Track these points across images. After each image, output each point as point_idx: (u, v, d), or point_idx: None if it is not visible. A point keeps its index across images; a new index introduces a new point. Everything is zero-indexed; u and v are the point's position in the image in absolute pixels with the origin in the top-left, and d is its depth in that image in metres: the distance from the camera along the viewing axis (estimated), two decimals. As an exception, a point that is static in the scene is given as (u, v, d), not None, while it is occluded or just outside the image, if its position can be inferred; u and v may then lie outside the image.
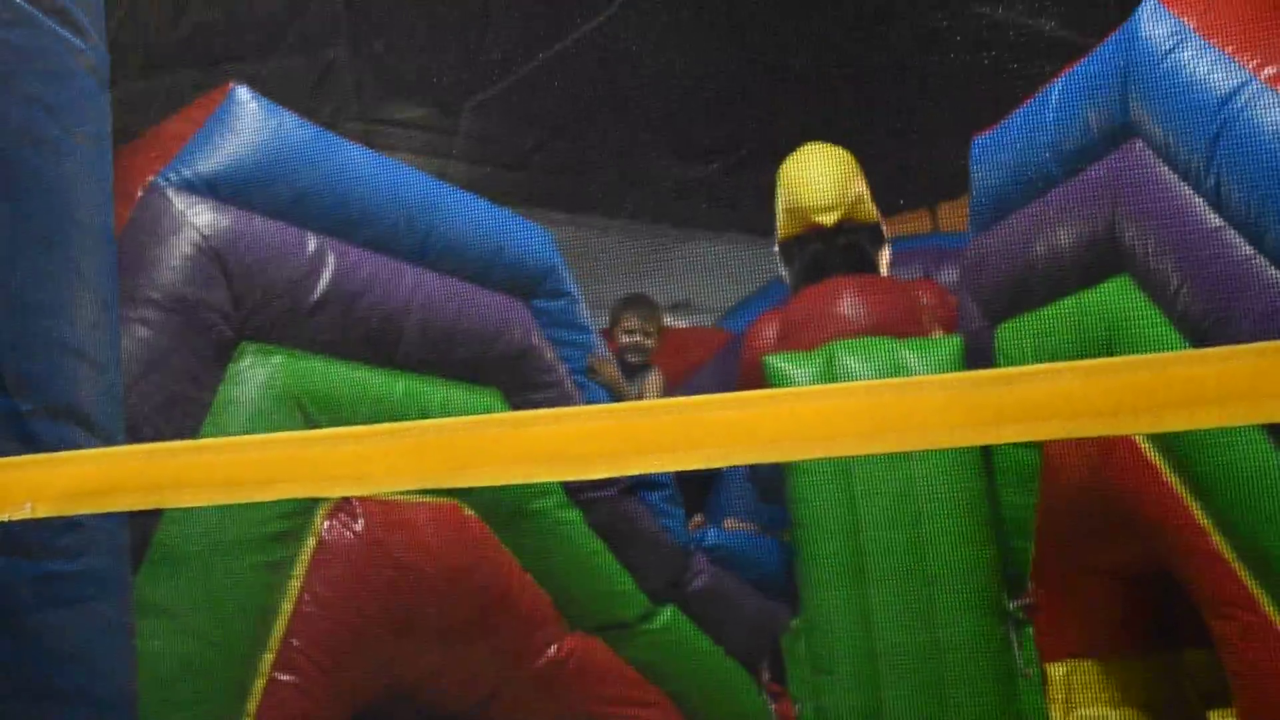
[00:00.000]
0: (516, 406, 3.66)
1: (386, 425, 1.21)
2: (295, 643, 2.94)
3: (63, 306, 1.78)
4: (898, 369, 4.13)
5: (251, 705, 2.82)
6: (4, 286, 1.70)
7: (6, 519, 1.37)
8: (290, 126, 3.21)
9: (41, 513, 1.36)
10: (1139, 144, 3.10)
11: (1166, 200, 2.97)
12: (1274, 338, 2.57)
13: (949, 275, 5.55)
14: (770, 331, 4.71)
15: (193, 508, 2.58)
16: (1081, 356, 3.36)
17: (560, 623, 3.74)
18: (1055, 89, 3.54)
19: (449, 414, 3.40)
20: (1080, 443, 3.48)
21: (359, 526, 3.16)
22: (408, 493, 3.28)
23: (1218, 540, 3.00)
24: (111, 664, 1.84)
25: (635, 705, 3.91)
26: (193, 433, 2.77)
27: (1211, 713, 3.87)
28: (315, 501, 3.01)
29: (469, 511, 3.48)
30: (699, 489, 4.83)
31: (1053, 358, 3.53)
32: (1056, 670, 3.98)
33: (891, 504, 4.00)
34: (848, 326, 4.34)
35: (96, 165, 1.91)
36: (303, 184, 3.16)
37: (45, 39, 1.82)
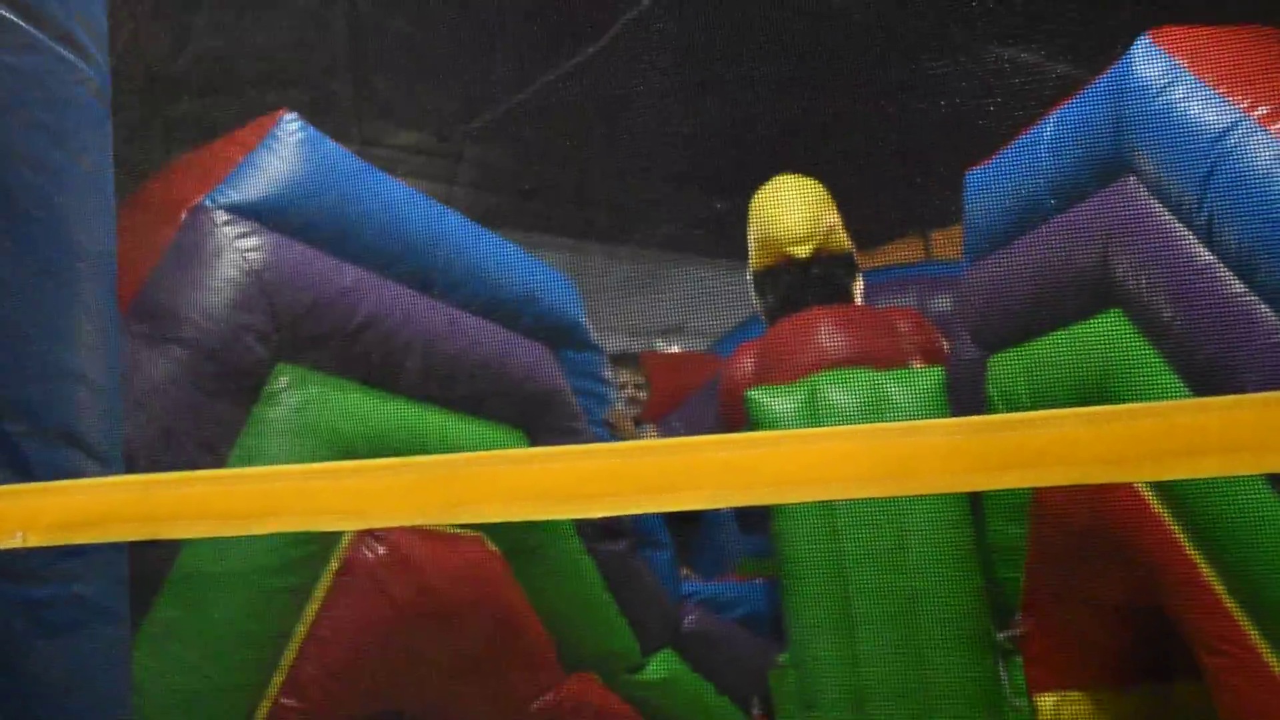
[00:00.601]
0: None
1: (387, 460, 1.20)
2: (305, 668, 2.93)
3: (62, 332, 1.78)
4: (880, 401, 4.14)
5: None
6: (3, 312, 1.69)
7: (-1, 547, 1.36)
8: (337, 157, 3.25)
9: (34, 542, 1.35)
10: (1132, 180, 3.12)
11: (1158, 236, 2.99)
12: (1263, 373, 2.60)
13: (942, 304, 5.58)
14: (748, 362, 4.72)
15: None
16: (1074, 389, 3.37)
17: (559, 665, 3.76)
18: (1049, 124, 3.57)
19: (481, 449, 3.42)
20: (1071, 476, 3.48)
21: (383, 552, 3.15)
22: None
23: (1209, 575, 3.00)
24: (109, 693, 1.82)
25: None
26: (218, 459, 2.76)
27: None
28: (341, 525, 3.00)
29: (492, 547, 3.50)
30: (686, 539, 4.88)
31: (1045, 390, 3.54)
32: (1046, 702, 3.98)
33: (876, 535, 4.00)
34: (827, 358, 4.35)
35: (99, 190, 1.91)
36: (346, 215, 3.20)
37: (51, 64, 1.81)
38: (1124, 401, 3.14)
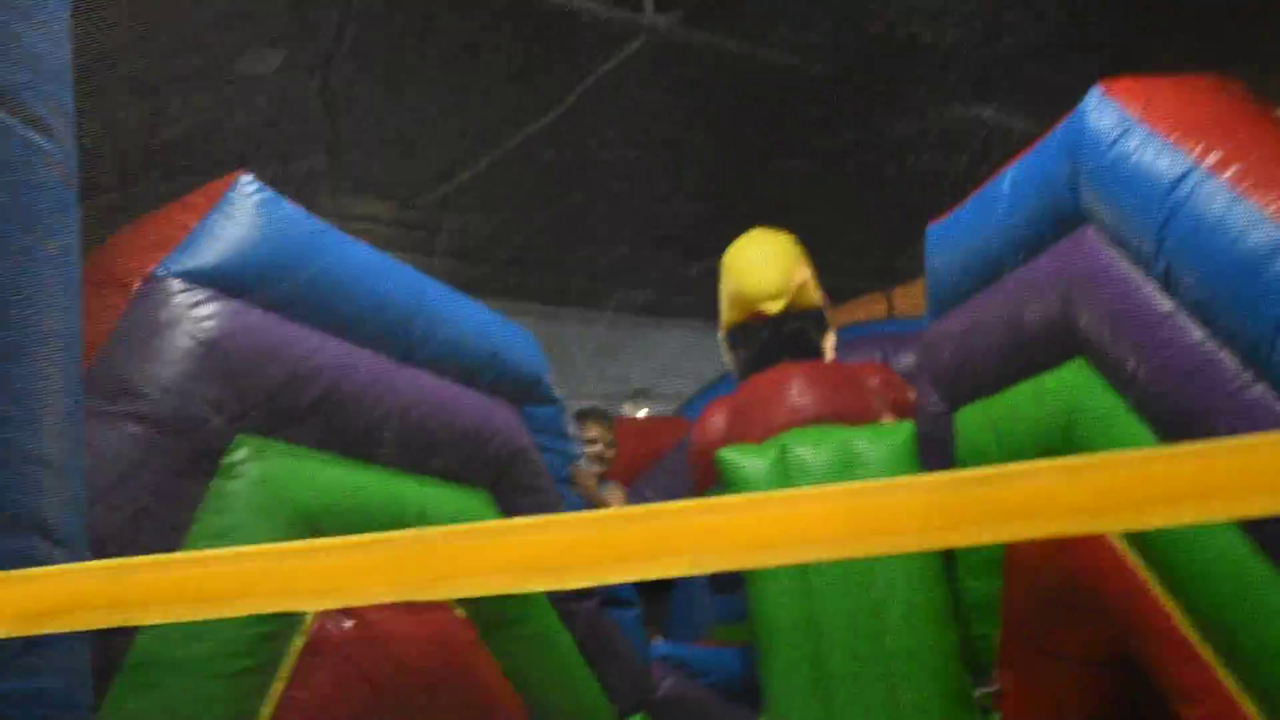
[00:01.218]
0: (505, 509, 3.67)
1: (361, 536, 1.18)
2: None
3: (28, 418, 1.75)
4: (851, 457, 4.14)
5: None
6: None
7: (-37, 640, 1.33)
8: (294, 220, 3.16)
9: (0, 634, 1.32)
10: (1090, 231, 3.16)
11: (1118, 286, 3.02)
12: (1225, 420, 2.62)
13: (906, 360, 5.61)
14: (719, 420, 4.73)
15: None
16: (1042, 439, 3.39)
17: None
18: (1006, 178, 3.62)
19: (443, 515, 3.37)
20: (1044, 527, 3.48)
21: (348, 625, 3.08)
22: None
23: (1184, 625, 3.00)
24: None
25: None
26: (180, 530, 2.69)
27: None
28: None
29: (460, 613, 3.43)
30: (656, 601, 4.86)
31: (1013, 442, 3.56)
32: (1025, 758, 3.95)
33: (852, 595, 3.99)
34: (798, 415, 4.36)
35: (66, 273, 1.89)
36: (305, 279, 3.12)
37: (18, 148, 1.80)
38: (1091, 451, 3.16)
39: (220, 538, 2.73)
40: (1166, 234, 2.79)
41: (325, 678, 2.99)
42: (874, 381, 4.67)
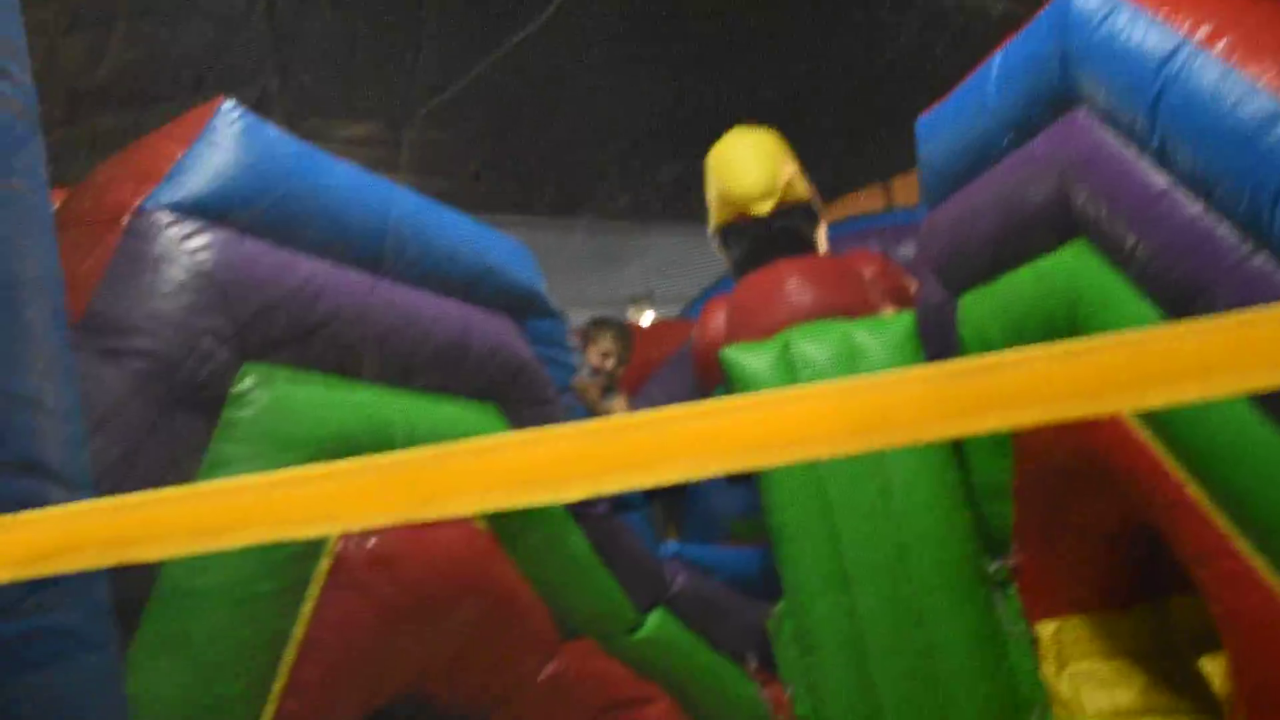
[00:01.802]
0: (513, 422, 3.67)
1: (355, 461, 1.17)
2: (305, 668, 2.86)
3: (13, 361, 1.73)
4: (853, 351, 4.14)
5: None
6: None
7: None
8: (279, 144, 3.10)
9: (4, 578, 1.32)
10: (1082, 112, 3.12)
11: (1113, 165, 2.99)
12: (1227, 293, 2.61)
13: (906, 251, 5.58)
14: (719, 320, 4.71)
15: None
16: (1045, 322, 3.38)
17: (557, 634, 3.74)
18: (995, 63, 3.56)
19: (454, 433, 3.37)
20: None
21: (372, 543, 3.09)
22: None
23: (1194, 491, 3.02)
24: (104, 718, 1.79)
25: (637, 705, 3.93)
26: (191, 468, 2.67)
27: (1203, 658, 3.91)
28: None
29: (480, 524, 3.45)
30: (670, 505, 4.89)
31: (1015, 326, 3.55)
32: (1045, 629, 4.02)
33: (862, 483, 4.02)
34: (798, 312, 4.34)
35: (36, 212, 1.86)
36: (295, 204, 3.07)
37: (-31, 89, 1.76)
38: (1095, 331, 3.14)
39: (233, 467, 2.72)
40: (1159, 110, 2.76)
41: (352, 596, 3.02)
42: (870, 271, 4.64)
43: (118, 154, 3.06)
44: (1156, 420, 3.08)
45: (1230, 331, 0.93)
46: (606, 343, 4.94)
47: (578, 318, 5.14)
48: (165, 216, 2.79)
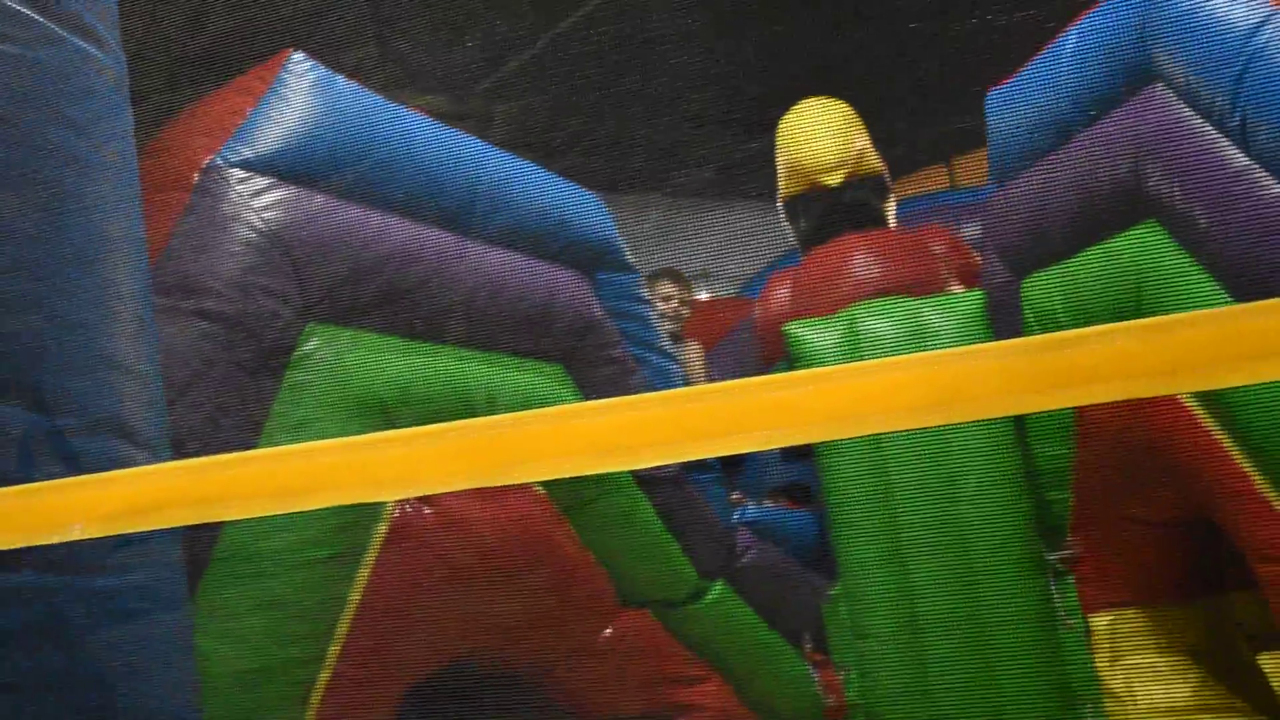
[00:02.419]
0: (579, 383, 3.61)
1: (433, 426, 1.20)
2: (360, 634, 2.89)
3: (101, 322, 1.78)
4: (920, 330, 4.09)
5: (315, 698, 2.77)
6: (42, 305, 1.70)
7: (57, 541, 1.37)
8: (351, 97, 3.03)
9: (91, 533, 1.36)
10: (1159, 88, 3.06)
11: (1190, 143, 2.93)
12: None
13: (969, 231, 5.51)
14: (783, 294, 4.66)
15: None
16: (1111, 305, 3.33)
17: (614, 601, 3.73)
18: (1071, 37, 3.50)
19: (513, 396, 3.34)
20: (1115, 395, 3.45)
21: (429, 511, 3.08)
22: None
23: (1259, 483, 2.97)
24: (172, 678, 1.84)
25: (688, 682, 3.92)
26: (256, 423, 2.68)
27: (1260, 655, 3.85)
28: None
29: (539, 491, 3.43)
30: (732, 465, 4.82)
31: (1082, 308, 3.50)
32: (1100, 620, 3.97)
33: (925, 464, 3.98)
34: (865, 288, 4.29)
35: (125, 180, 1.90)
36: (365, 161, 2.99)
37: (69, 55, 1.80)
38: (1162, 313, 3.10)
39: (295, 430, 2.74)
40: (1243, 85, 2.69)
41: (408, 563, 3.03)
42: (939, 247, 4.56)
43: (187, 110, 3.01)
44: (1223, 409, 3.03)
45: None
46: (666, 287, 4.89)
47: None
48: (235, 174, 2.76)
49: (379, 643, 2.96)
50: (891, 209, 4.68)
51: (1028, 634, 3.90)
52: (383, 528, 2.98)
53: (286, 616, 2.71)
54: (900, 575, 3.97)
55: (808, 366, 4.16)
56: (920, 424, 1.04)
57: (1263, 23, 2.65)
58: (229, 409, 2.62)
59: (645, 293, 4.01)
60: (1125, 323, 1.00)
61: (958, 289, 4.34)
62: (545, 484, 3.44)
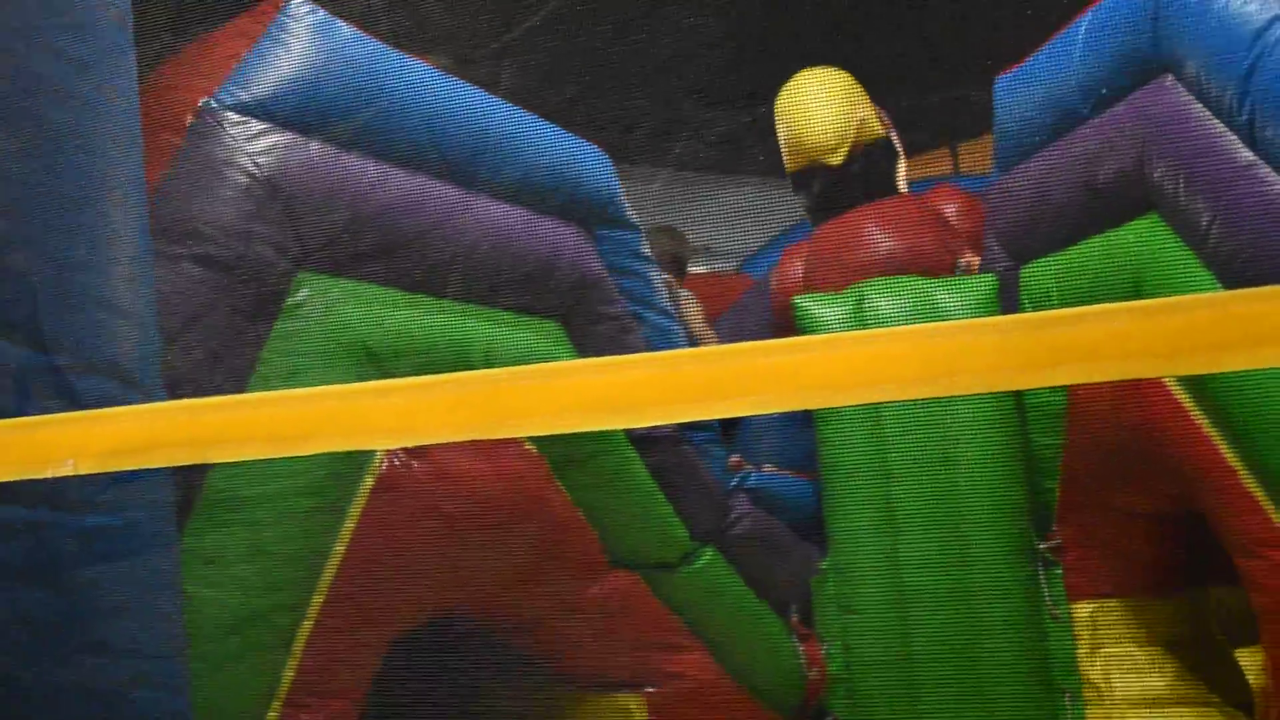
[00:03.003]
0: (577, 339, 3.56)
1: (430, 377, 1.20)
2: (345, 585, 2.88)
3: (98, 263, 1.78)
4: (930, 310, 4.06)
5: (297, 647, 2.77)
6: (40, 244, 1.70)
7: (50, 476, 1.37)
8: (352, 43, 2.95)
9: (84, 470, 1.37)
10: (1169, 79, 3.05)
11: (1197, 137, 2.92)
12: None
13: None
14: (797, 267, 4.62)
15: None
16: (1108, 296, 3.33)
17: (604, 561, 3.71)
18: (1081, 25, 3.48)
19: (510, 351, 3.31)
20: (1107, 383, 3.47)
21: (418, 465, 3.06)
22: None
23: (1246, 479, 2.99)
24: (160, 617, 1.85)
25: (672, 650, 3.93)
26: (246, 371, 2.66)
27: (1237, 650, 3.88)
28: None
29: (530, 447, 3.41)
30: (730, 427, 4.77)
31: (1079, 298, 3.50)
32: (1081, 610, 3.99)
33: (923, 440, 3.97)
34: (875, 263, 4.25)
35: (126, 119, 1.89)
36: (364, 109, 2.94)
37: (70, -8, 1.79)
38: (1161, 306, 3.10)
39: (286, 378, 2.71)
40: (1252, 81, 2.69)
41: (396, 516, 3.02)
42: (952, 209, 4.47)
43: (183, 51, 2.96)
44: (1212, 402, 3.04)
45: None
46: (664, 243, 4.86)
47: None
48: (230, 116, 2.70)
49: (362, 593, 2.96)
50: (902, 171, 4.59)
51: (1013, 618, 3.92)
52: (370, 480, 2.97)
53: (267, 565, 2.69)
54: (890, 540, 3.97)
55: (812, 341, 4.13)
56: (918, 395, 1.05)
57: (1273, 21, 2.64)
58: (219, 354, 2.59)
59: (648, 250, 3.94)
60: (1124, 303, 1.01)
61: (969, 256, 4.26)
62: (538, 439, 3.41)
